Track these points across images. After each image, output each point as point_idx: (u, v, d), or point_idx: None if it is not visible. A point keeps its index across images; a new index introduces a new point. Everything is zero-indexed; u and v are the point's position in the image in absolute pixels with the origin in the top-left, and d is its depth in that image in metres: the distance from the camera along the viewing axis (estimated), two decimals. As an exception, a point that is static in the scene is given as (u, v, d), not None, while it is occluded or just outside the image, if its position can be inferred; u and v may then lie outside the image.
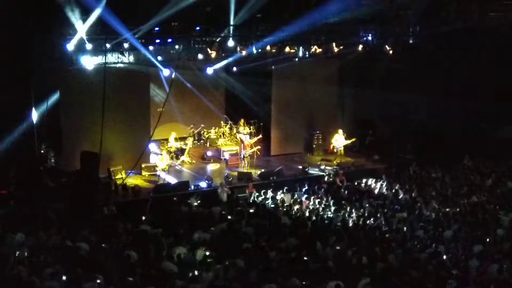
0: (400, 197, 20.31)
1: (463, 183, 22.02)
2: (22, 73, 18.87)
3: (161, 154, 23.51)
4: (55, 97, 21.74)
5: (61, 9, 19.35)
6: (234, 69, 26.45)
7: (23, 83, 19.10)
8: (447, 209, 18.80)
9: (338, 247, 14.94)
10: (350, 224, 17.50)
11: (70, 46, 20.24)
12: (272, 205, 19.44)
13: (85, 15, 19.92)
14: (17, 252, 13.46)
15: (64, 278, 12.13)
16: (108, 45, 20.83)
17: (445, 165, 23.80)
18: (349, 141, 25.50)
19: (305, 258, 14.02)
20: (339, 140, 25.48)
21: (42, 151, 22.20)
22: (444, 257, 14.67)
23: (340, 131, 25.64)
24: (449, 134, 24.85)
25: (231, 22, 23.00)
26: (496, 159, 24.32)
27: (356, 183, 22.37)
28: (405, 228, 17.11)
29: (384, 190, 21.37)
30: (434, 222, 17.61)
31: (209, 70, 25.41)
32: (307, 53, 25.46)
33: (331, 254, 14.52)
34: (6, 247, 13.67)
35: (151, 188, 20.98)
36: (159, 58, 22.46)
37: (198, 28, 23.12)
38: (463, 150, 24.74)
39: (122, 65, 22.21)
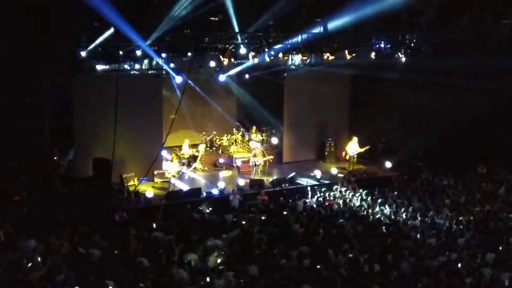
0: (412, 205, 20.20)
1: (475, 190, 21.90)
2: (35, 79, 18.95)
3: (171, 161, 23.54)
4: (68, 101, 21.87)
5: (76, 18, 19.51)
6: (247, 76, 26.47)
7: (36, 88, 19.18)
8: (460, 217, 18.69)
9: (350, 255, 14.90)
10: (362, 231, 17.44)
11: (83, 53, 20.35)
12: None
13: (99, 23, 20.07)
14: (30, 258, 13.50)
15: (75, 284, 12.16)
16: (121, 52, 20.93)
17: (457, 172, 23.66)
18: (363, 149, 25.44)
19: (317, 265, 13.99)
20: (353, 148, 25.47)
21: (55, 157, 22.29)
22: (459, 265, 14.59)
23: (355, 138, 25.61)
24: (461, 141, 24.69)
25: (244, 30, 23.03)
26: (509, 167, 24.13)
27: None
28: (417, 236, 17.04)
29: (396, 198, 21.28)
30: (446, 230, 17.53)
31: (221, 78, 25.45)
32: (319, 60, 25.41)
33: (343, 262, 14.47)
34: (18, 253, 13.70)
35: (163, 195, 21.01)
36: (172, 65, 22.47)
37: (210, 35, 23.12)
38: (475, 157, 24.59)
39: (135, 72, 22.29)
